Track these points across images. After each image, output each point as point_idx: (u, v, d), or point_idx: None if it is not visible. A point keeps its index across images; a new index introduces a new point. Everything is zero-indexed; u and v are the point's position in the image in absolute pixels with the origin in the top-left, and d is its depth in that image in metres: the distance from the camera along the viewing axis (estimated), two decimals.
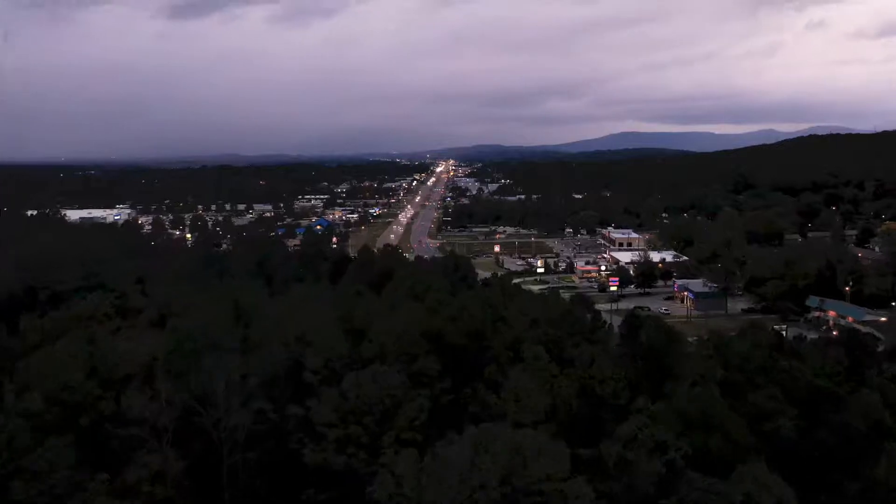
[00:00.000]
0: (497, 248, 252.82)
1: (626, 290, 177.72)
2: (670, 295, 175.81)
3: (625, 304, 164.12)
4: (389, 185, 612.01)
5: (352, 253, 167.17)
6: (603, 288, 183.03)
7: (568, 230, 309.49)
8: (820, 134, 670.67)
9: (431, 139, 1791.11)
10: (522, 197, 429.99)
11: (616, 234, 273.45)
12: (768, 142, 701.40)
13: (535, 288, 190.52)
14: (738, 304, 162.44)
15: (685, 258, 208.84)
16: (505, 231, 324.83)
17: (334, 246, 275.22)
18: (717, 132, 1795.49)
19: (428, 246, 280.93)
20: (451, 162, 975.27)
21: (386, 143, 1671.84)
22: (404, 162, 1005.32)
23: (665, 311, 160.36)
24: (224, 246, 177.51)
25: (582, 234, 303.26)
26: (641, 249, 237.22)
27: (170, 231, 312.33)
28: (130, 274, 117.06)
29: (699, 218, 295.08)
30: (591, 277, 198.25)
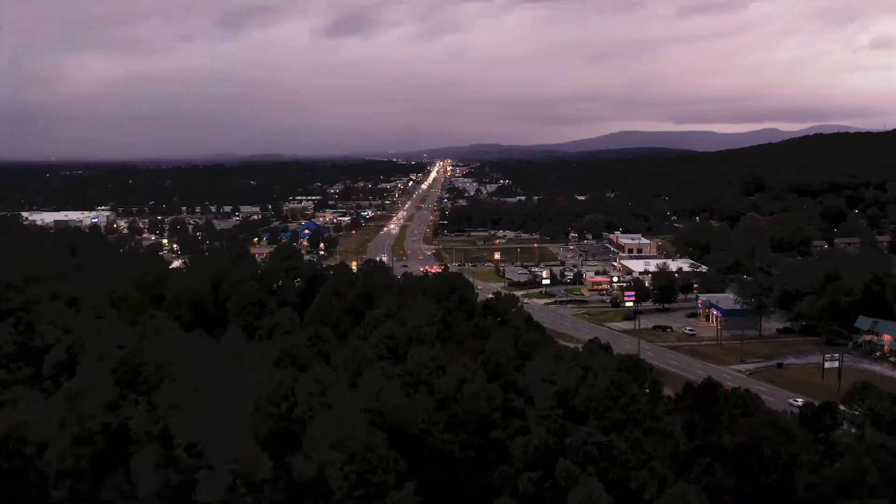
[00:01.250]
0: (497, 256, 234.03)
1: (643, 305, 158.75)
2: (693, 311, 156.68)
3: (642, 323, 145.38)
4: (384, 185, 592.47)
5: (336, 263, 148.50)
6: (616, 302, 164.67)
7: (572, 235, 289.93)
8: (825, 133, 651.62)
9: (429, 138, 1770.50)
10: (523, 198, 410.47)
11: (625, 240, 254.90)
12: (772, 141, 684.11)
13: (541, 302, 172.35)
14: (771, 323, 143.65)
15: (704, 267, 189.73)
16: (505, 235, 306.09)
17: (322, 252, 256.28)
18: (717, 131, 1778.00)
19: (423, 252, 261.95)
20: (449, 161, 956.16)
21: (384, 142, 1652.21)
22: (401, 161, 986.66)
23: (690, 332, 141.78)
24: (185, 258, 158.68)
25: (587, 240, 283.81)
26: (653, 257, 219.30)
27: (146, 235, 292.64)
28: (60, 297, 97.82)
29: (713, 222, 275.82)
30: (602, 290, 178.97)
